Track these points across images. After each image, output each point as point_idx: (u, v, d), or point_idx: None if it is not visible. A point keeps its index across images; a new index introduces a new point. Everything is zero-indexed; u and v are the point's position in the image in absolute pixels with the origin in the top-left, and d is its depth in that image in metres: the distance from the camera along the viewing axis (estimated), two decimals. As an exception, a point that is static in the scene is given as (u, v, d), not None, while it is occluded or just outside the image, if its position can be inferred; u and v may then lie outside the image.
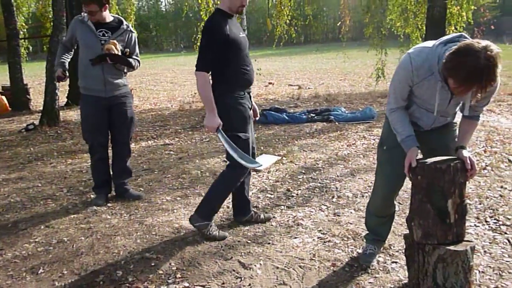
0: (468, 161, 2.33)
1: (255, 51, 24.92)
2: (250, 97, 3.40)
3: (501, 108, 7.93)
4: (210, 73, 3.14)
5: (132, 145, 5.96)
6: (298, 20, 9.92)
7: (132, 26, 4.17)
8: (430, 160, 2.40)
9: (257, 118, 3.65)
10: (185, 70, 18.80)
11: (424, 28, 9.23)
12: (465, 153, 2.38)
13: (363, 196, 4.13)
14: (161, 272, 2.91)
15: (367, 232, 3.11)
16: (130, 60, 4.01)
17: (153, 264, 3.02)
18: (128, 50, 4.03)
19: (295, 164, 5.15)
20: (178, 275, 2.86)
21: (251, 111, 3.43)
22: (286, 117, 7.37)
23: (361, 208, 3.83)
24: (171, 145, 6.27)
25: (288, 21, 9.60)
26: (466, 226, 2.38)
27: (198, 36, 10.12)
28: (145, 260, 3.06)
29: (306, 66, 18.10)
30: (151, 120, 8.29)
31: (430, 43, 2.42)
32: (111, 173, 4.25)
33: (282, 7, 9.34)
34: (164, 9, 44.69)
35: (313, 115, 7.50)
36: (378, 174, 2.92)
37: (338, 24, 10.86)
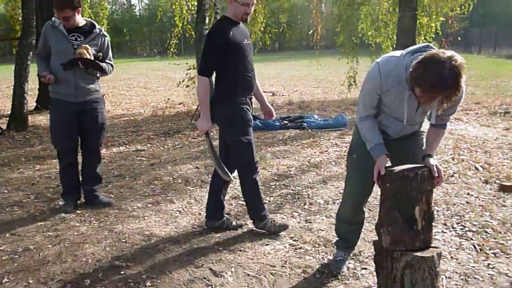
0: (435, 169, 2.39)
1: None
2: (251, 101, 3.48)
3: (469, 116, 8.15)
4: (212, 77, 3.26)
5: (103, 151, 5.89)
6: (272, 27, 10.00)
7: (105, 30, 4.11)
8: (398, 168, 2.44)
9: (273, 118, 3.76)
10: (158, 75, 18.67)
11: (395, 37, 9.42)
12: (432, 161, 2.43)
13: (334, 203, 4.17)
14: (130, 280, 2.87)
15: (337, 238, 3.14)
16: (103, 64, 3.95)
17: (122, 272, 2.97)
18: (101, 54, 3.98)
19: (268, 171, 5.16)
20: (148, 283, 2.82)
21: (263, 112, 3.64)
22: (260, 124, 7.39)
23: (332, 215, 3.86)
24: (143, 151, 6.20)
25: (262, 29, 9.67)
26: (433, 233, 2.43)
27: (172, 41, 10.09)
28: (114, 268, 3.01)
29: (280, 73, 18.22)
30: (123, 126, 8.18)
31: (398, 53, 2.48)
32: (81, 179, 4.18)
33: (257, 15, 9.39)
34: (138, 14, 44.33)
35: (287, 122, 7.55)
36: (348, 182, 2.96)
37: (310, 32, 10.98)
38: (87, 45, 3.83)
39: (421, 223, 2.37)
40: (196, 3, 8.51)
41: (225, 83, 3.28)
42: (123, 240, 3.44)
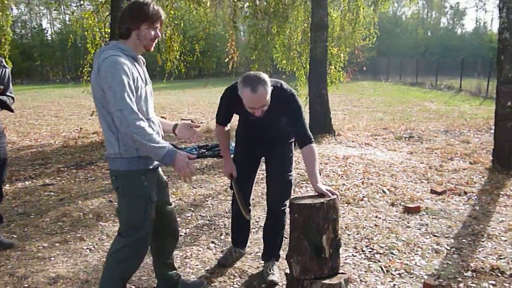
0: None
1: (147, 84, 24.53)
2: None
3: (377, 141, 8.64)
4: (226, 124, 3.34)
5: (6, 187, 5.49)
6: (187, 56, 10.04)
7: (6, 57, 3.90)
8: (304, 198, 2.53)
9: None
10: (71, 102, 17.89)
11: (308, 66, 9.84)
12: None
13: (251, 231, 4.19)
14: (32, 329, 2.67)
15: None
16: (4, 98, 3.73)
17: (23, 321, 2.76)
18: (2, 87, 3.75)
19: (184, 202, 5.10)
20: (52, 331, 2.64)
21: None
22: (177, 153, 7.30)
23: (248, 244, 3.88)
24: (51, 185, 5.85)
25: (178, 57, 9.67)
26: (343, 257, 2.53)
27: (86, 68, 9.76)
28: (14, 317, 2.79)
29: (199, 99, 18.24)
30: (30, 158, 7.69)
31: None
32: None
33: (172, 43, 9.39)
34: (50, 38, 42.42)
35: (204, 150, 7.53)
36: None
37: (226, 60, 11.15)
38: None
39: (329, 251, 2.46)
40: (109, 30, 8.34)
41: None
42: (25, 285, 3.20)
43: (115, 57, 2.35)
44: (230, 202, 5.02)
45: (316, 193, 2.64)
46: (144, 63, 2.62)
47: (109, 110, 2.33)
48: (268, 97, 2.76)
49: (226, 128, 3.36)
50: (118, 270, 2.60)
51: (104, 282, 2.63)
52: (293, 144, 3.38)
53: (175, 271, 3.04)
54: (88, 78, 9.78)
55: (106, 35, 9.19)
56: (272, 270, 3.33)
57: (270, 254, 3.39)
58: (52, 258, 3.64)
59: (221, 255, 3.65)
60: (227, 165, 3.35)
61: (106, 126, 2.44)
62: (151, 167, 2.55)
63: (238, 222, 3.57)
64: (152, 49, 2.58)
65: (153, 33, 2.50)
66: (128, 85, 2.33)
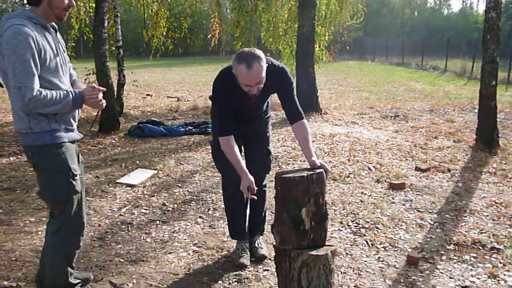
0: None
1: (133, 61, 24.27)
2: None
3: (363, 120, 8.70)
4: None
5: (-10, 162, 5.43)
6: (174, 32, 9.89)
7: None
8: (290, 172, 2.55)
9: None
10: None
11: (294, 45, 9.79)
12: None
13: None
14: (21, 301, 2.69)
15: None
16: None
17: (12, 292, 2.77)
18: None
19: (171, 178, 5.10)
20: (42, 303, 2.66)
21: None
22: (163, 130, 7.28)
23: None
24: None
25: (164, 33, 9.53)
26: (326, 232, 2.55)
27: (69, 44, 9.58)
28: (3, 289, 2.79)
29: (186, 78, 18.07)
30: (14, 134, 7.58)
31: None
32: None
33: (159, 19, 9.24)
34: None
35: (191, 127, 7.51)
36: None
37: (209, 37, 10.99)
38: None
39: (310, 223, 2.47)
40: (94, 5, 8.17)
41: None
42: (13, 258, 3.20)
43: (18, 27, 2.18)
44: (215, 178, 5.07)
45: (307, 167, 2.65)
46: (56, 31, 2.45)
47: (8, 83, 2.22)
48: (264, 73, 2.65)
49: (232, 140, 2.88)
50: (60, 254, 2.53)
51: (51, 271, 2.55)
52: (270, 122, 3.34)
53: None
54: (72, 53, 9.63)
55: (91, 10, 9.01)
56: (260, 244, 3.37)
57: (254, 229, 3.42)
58: (40, 232, 3.63)
59: (235, 256, 3.23)
60: (245, 177, 2.80)
61: (14, 99, 2.29)
62: (66, 140, 2.44)
63: (238, 207, 3.30)
64: (65, 18, 2.42)
65: (66, 1, 2.34)
66: (32, 59, 2.19)
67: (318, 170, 2.49)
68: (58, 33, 2.47)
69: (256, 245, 3.35)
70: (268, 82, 2.77)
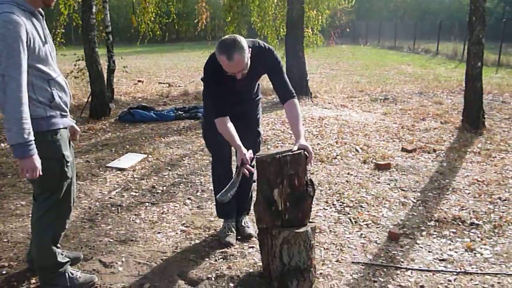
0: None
1: (124, 47, 24.12)
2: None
3: (353, 103, 8.77)
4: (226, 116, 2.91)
5: (-19, 148, 5.47)
6: (162, 18, 9.85)
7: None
8: (268, 153, 2.61)
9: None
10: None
11: (283, 29, 9.79)
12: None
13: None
14: (13, 280, 2.76)
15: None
16: None
17: (4, 272, 2.85)
18: None
19: (161, 161, 5.17)
20: (33, 281, 2.74)
21: None
22: (154, 115, 7.33)
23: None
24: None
25: (152, 19, 9.50)
26: (305, 213, 2.60)
27: (58, 30, 9.54)
28: (-5, 269, 2.87)
29: (177, 64, 18.01)
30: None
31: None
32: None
33: (147, 4, 9.21)
34: None
35: (181, 112, 7.55)
36: None
37: (195, 21, 10.92)
38: None
39: (283, 204, 2.54)
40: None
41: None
42: (4, 240, 3.28)
43: (8, 15, 2.14)
44: (204, 161, 5.15)
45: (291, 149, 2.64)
46: (43, 17, 2.41)
47: None
48: (246, 61, 2.70)
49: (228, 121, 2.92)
50: (47, 237, 2.54)
51: (37, 254, 2.57)
52: (261, 104, 3.44)
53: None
54: (62, 40, 9.60)
55: (79, -4, 8.94)
56: (247, 223, 3.46)
57: (241, 209, 3.50)
58: (30, 216, 3.70)
59: (221, 235, 3.33)
60: (240, 151, 2.82)
61: None
62: (61, 126, 2.45)
63: (225, 183, 3.22)
64: (53, 4, 2.40)
65: None
66: (22, 48, 2.15)
67: (295, 152, 2.52)
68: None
69: (243, 224, 3.44)
70: (255, 64, 2.84)
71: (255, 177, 3.26)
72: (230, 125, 2.89)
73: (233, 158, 3.05)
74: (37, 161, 2.25)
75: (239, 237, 3.33)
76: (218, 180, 3.38)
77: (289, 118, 2.94)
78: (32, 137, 2.21)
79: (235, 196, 2.86)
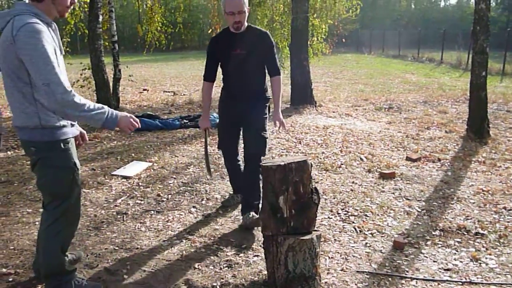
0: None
1: (129, 56, 24.28)
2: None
3: (357, 112, 8.79)
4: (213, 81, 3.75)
5: (-12, 156, 5.52)
6: (168, 27, 9.94)
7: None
8: (273, 161, 2.64)
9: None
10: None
11: (290, 37, 9.84)
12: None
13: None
14: (20, 287, 2.78)
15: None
16: None
17: (11, 279, 2.87)
18: None
19: (166, 170, 5.20)
20: (39, 288, 2.76)
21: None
22: (159, 124, 7.37)
23: (228, 209, 4.03)
24: (34, 155, 5.88)
25: (159, 28, 9.58)
26: (311, 220, 2.62)
27: (65, 39, 9.63)
28: (1, 276, 2.89)
29: (182, 72, 18.10)
30: (11, 129, 7.66)
31: None
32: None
33: (153, 14, 9.30)
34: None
35: (186, 121, 7.59)
36: None
37: (209, 32, 11.03)
38: None
39: (288, 211, 2.56)
40: (88, 0, 8.23)
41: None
42: (11, 247, 3.30)
43: (33, 25, 2.18)
44: (202, 171, 5.13)
45: (288, 158, 2.72)
46: (56, 29, 2.46)
47: (34, 82, 2.22)
48: (245, 5, 3.40)
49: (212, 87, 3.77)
50: (56, 245, 2.56)
51: (46, 261, 2.58)
52: (268, 106, 3.74)
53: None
54: (68, 49, 9.68)
55: (86, 5, 9.06)
56: (252, 214, 3.55)
57: (248, 208, 3.56)
58: (37, 223, 3.73)
59: (224, 200, 4.18)
60: (204, 119, 3.82)
61: (21, 96, 2.30)
62: (71, 135, 2.50)
63: (232, 174, 4.03)
64: (67, 15, 2.43)
65: None
66: (53, 53, 2.21)
67: (299, 159, 2.57)
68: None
69: (246, 217, 3.56)
70: (255, 39, 3.54)
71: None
72: (210, 92, 3.74)
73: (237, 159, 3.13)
74: (125, 116, 2.45)
75: (243, 237, 3.33)
76: (225, 163, 4.06)
77: (273, 91, 3.68)
78: (104, 106, 2.36)
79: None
